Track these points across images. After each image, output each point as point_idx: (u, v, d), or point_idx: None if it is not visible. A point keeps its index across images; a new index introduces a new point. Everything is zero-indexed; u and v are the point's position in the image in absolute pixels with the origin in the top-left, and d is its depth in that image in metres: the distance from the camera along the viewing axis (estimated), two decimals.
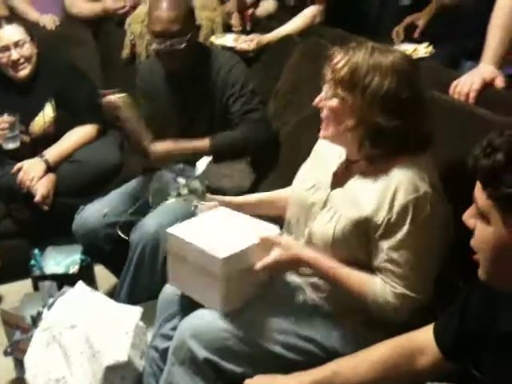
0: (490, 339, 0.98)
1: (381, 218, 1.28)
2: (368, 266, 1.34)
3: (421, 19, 2.39)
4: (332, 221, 1.36)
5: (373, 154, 1.32)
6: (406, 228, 1.27)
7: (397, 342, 1.13)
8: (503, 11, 1.57)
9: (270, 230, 1.42)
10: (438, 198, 1.29)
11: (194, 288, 1.45)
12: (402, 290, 1.28)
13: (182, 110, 2.09)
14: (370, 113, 1.28)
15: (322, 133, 1.39)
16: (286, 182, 1.65)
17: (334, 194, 1.41)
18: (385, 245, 1.29)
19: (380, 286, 1.29)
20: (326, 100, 1.34)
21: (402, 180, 1.28)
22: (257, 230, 1.40)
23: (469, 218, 0.91)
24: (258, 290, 1.41)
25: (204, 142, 2.01)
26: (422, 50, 2.05)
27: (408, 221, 1.26)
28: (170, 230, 1.47)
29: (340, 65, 1.30)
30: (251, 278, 1.37)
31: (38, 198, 2.29)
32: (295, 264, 1.38)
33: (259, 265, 1.35)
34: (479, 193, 0.87)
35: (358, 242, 1.32)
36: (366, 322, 1.37)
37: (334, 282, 1.34)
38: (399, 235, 1.27)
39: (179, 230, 1.46)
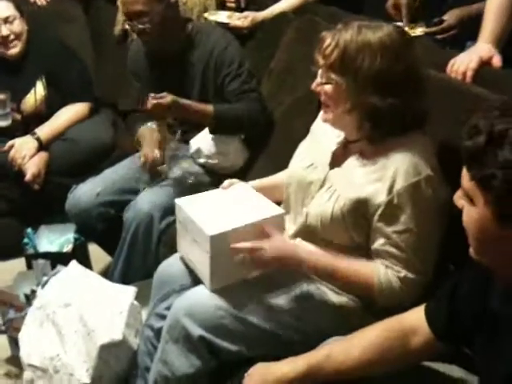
0: (483, 320, 0.98)
1: (380, 199, 1.27)
2: (363, 249, 1.34)
3: None
4: (330, 200, 1.35)
5: (372, 134, 1.32)
6: (408, 211, 1.26)
7: (388, 324, 1.14)
8: None
9: (275, 212, 1.40)
10: (438, 181, 1.29)
11: (192, 259, 1.47)
12: (405, 273, 1.28)
13: (170, 91, 2.06)
14: (365, 94, 1.27)
15: (322, 116, 1.39)
16: (279, 162, 1.64)
17: (333, 174, 1.40)
18: (386, 228, 1.28)
19: (383, 272, 1.29)
20: (322, 85, 1.33)
21: (404, 162, 1.27)
22: (260, 212, 1.38)
23: (458, 198, 0.92)
24: (251, 271, 1.40)
25: (208, 107, 1.96)
26: (419, 28, 2.03)
27: (411, 204, 1.26)
28: (178, 199, 1.50)
29: (329, 49, 1.29)
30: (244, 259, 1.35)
31: (28, 177, 2.27)
32: (289, 259, 1.33)
33: (239, 245, 1.31)
34: (464, 175, 0.89)
35: (356, 222, 1.32)
36: (361, 304, 1.37)
37: (335, 276, 1.32)
38: (402, 219, 1.26)
39: (186, 201, 1.48)
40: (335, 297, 1.38)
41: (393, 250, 1.28)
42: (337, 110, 1.33)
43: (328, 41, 1.31)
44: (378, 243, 1.30)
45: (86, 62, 2.61)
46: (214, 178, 2.00)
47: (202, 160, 2.04)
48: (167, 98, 1.86)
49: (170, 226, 1.89)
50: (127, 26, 1.97)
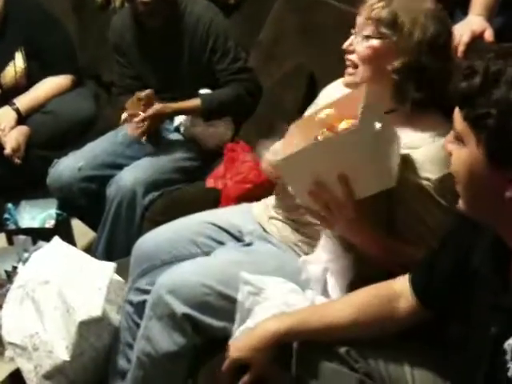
0: (462, 276, 0.99)
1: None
2: None
3: None
4: None
5: (413, 98, 1.25)
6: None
7: (378, 287, 1.13)
8: None
9: None
10: None
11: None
12: None
13: (157, 66, 2.02)
14: (418, 53, 1.23)
15: (348, 79, 1.31)
16: (268, 134, 1.60)
17: None
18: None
19: None
20: (362, 42, 1.27)
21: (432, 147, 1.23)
22: None
23: (447, 143, 0.93)
24: None
25: (195, 102, 1.96)
26: None
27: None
28: None
29: (382, 4, 1.24)
30: None
31: (7, 151, 2.19)
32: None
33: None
34: (457, 116, 0.89)
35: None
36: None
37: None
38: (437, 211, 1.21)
39: None
40: None
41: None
42: (377, 68, 1.26)
43: None
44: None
45: (68, 31, 2.51)
46: (197, 152, 1.97)
47: (186, 133, 2.00)
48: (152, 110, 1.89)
49: (153, 201, 1.87)
50: None
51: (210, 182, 1.86)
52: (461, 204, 0.92)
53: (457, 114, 0.88)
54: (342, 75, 1.37)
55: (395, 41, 1.24)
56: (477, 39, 1.50)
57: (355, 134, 1.10)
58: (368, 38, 1.26)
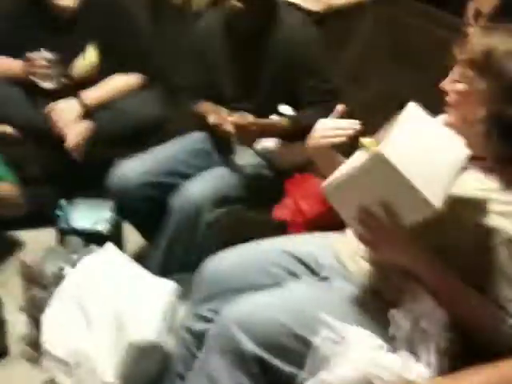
0: None
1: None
2: None
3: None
4: None
5: (500, 152, 1.15)
6: None
7: (497, 371, 0.99)
8: None
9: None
10: None
11: None
12: None
13: (238, 74, 1.89)
14: (505, 104, 1.11)
15: (445, 119, 1.23)
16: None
17: None
18: None
19: None
20: (454, 82, 1.19)
21: None
22: None
23: None
24: None
25: (283, 123, 1.83)
26: None
27: None
28: None
29: (474, 45, 1.15)
30: None
31: (68, 145, 2.09)
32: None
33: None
34: None
35: None
36: None
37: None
38: None
39: None
40: None
41: None
42: (465, 113, 1.17)
43: (474, 36, 1.17)
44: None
45: (143, 31, 2.41)
46: (270, 171, 1.85)
47: (262, 150, 1.88)
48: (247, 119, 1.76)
49: (218, 219, 1.73)
50: None
51: (276, 213, 1.72)
52: None
53: None
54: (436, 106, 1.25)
55: (481, 86, 1.13)
56: None
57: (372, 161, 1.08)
58: (455, 81, 1.18)
